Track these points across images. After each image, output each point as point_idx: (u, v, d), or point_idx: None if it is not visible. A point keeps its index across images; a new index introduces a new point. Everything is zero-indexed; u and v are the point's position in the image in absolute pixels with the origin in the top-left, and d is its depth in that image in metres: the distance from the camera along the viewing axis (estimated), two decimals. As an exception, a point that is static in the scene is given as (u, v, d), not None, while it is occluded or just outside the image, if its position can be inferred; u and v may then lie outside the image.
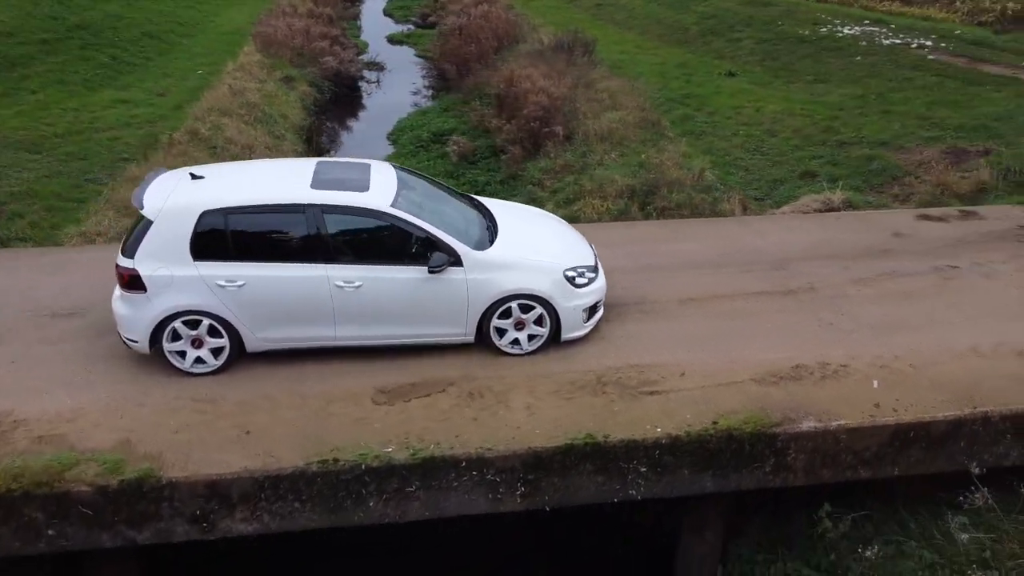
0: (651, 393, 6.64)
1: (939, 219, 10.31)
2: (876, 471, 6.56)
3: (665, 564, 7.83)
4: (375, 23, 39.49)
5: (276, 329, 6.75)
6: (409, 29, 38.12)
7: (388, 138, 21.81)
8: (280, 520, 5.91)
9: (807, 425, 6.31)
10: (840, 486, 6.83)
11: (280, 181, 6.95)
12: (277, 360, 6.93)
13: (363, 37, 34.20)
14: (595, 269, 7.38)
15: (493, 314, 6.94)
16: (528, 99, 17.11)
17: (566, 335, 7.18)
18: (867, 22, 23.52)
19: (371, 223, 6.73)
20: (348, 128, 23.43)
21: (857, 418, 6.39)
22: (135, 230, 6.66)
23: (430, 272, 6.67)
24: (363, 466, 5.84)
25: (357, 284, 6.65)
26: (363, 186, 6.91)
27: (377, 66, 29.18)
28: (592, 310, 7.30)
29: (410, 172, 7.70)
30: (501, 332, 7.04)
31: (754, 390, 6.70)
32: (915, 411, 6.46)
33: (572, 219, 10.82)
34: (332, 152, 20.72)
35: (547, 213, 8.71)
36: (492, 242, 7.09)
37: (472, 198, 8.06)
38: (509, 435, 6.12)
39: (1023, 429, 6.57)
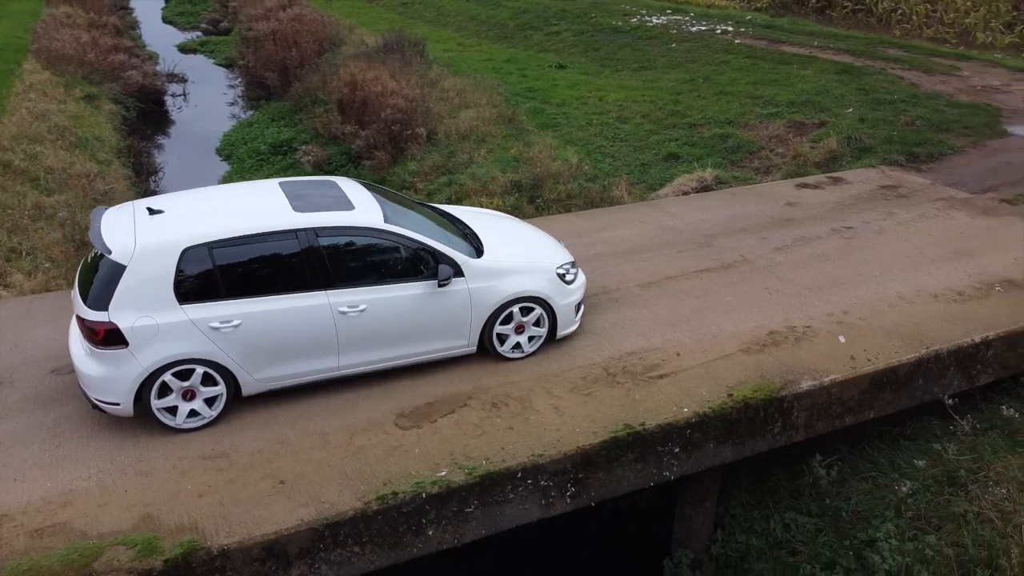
0: (660, 377, 6.89)
1: (815, 187, 11.46)
2: (857, 416, 7.25)
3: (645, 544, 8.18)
4: (156, 31, 36.64)
5: (276, 367, 6.24)
6: (198, 36, 35.78)
7: (219, 153, 20.49)
8: (337, 568, 5.51)
9: (806, 384, 6.85)
10: (819, 438, 7.47)
11: (259, 207, 6.40)
12: (273, 401, 6.41)
13: (150, 47, 31.61)
14: (575, 264, 7.50)
15: (495, 321, 6.86)
16: (384, 102, 16.77)
17: (561, 332, 7.25)
18: (669, 12, 25.35)
19: (367, 242, 6.41)
20: (169, 147, 21.67)
21: (842, 371, 7.03)
22: (98, 277, 5.87)
23: (440, 286, 6.47)
24: (423, 495, 5.58)
25: (361, 308, 6.30)
26: (346, 204, 6.55)
27: (179, 78, 27.18)
28: (579, 305, 7.42)
29: (370, 186, 7.38)
30: (502, 338, 6.97)
31: (746, 360, 7.16)
32: (884, 358, 7.22)
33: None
34: (161, 175, 19.10)
35: (502, 214, 8.68)
36: (481, 249, 6.99)
37: (433, 206, 7.87)
38: (552, 438, 6.11)
39: (963, 360, 7.54)
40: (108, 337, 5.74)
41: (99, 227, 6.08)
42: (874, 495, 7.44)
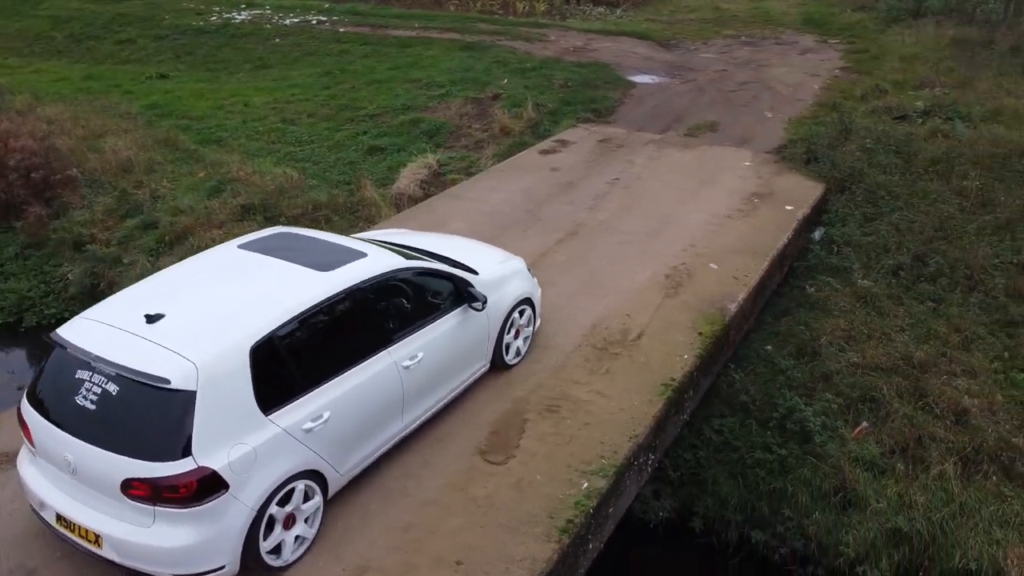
0: (638, 338, 7.53)
1: (554, 151, 12.76)
2: (747, 324, 8.82)
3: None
4: None
5: (358, 451, 5.39)
6: None
7: None
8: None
9: (732, 307, 8.14)
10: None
11: (278, 279, 5.29)
12: (338, 497, 5.49)
13: None
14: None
15: (504, 331, 6.73)
16: (7, 147, 13.41)
17: (537, 326, 7.38)
18: (244, 7, 24.20)
19: (402, 286, 5.78)
20: None
21: (741, 289, 8.47)
22: (155, 417, 4.41)
23: (480, 309, 6.16)
24: (589, 510, 5.50)
25: (419, 356, 5.73)
26: (352, 252, 5.78)
27: None
28: None
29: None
30: (507, 347, 6.87)
31: (677, 303, 8.16)
32: (751, 272, 8.84)
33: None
34: None
35: (419, 232, 8.26)
36: (468, 266, 6.71)
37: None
38: (626, 419, 6.40)
39: (782, 260, 9.57)
40: (203, 488, 4.38)
41: (91, 351, 4.49)
42: (764, 379, 9.09)
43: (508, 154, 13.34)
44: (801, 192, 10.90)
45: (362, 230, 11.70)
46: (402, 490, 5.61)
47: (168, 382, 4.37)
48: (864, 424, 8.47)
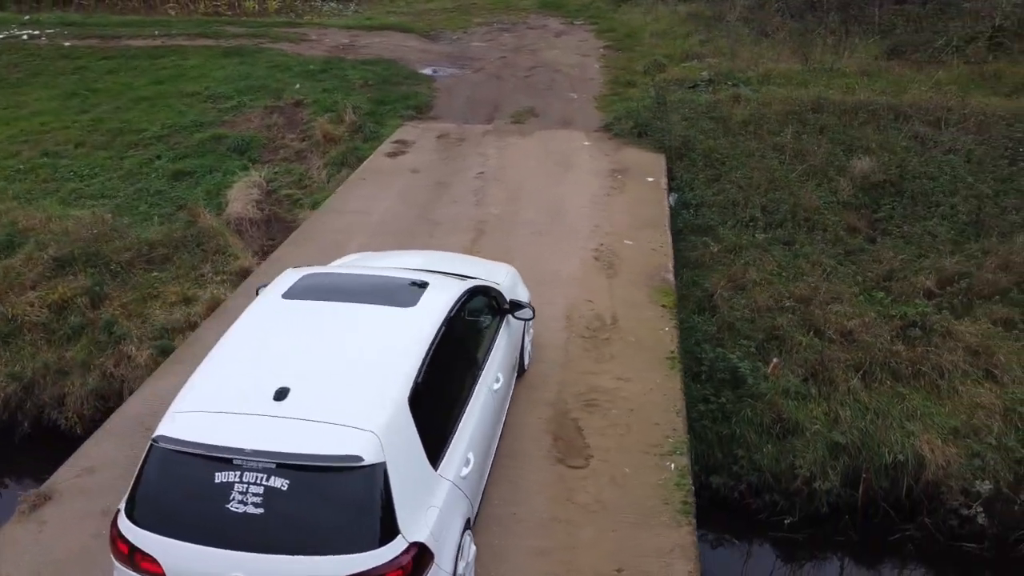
0: (614, 321, 7.82)
1: (400, 153, 12.43)
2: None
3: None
4: None
5: (480, 488, 5.06)
6: None
7: None
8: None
9: (670, 277, 8.74)
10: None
11: (378, 323, 4.78)
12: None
13: None
14: None
15: (524, 336, 6.63)
16: None
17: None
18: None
19: (469, 308, 5.46)
20: None
21: (666, 259, 9.10)
22: (349, 501, 3.85)
23: (531, 317, 6.03)
24: (692, 490, 5.72)
25: (500, 378, 5.51)
26: (417, 283, 5.35)
27: None
28: None
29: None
30: (524, 352, 6.78)
31: (623, 281, 8.57)
32: (664, 242, 9.51)
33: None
34: None
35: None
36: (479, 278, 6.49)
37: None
38: (664, 398, 6.74)
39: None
40: (417, 567, 3.90)
41: (238, 446, 3.80)
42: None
43: (342, 162, 12.74)
44: (649, 163, 11.82)
45: (216, 264, 10.65)
46: (512, 516, 5.39)
47: (360, 459, 3.80)
48: (776, 360, 9.56)
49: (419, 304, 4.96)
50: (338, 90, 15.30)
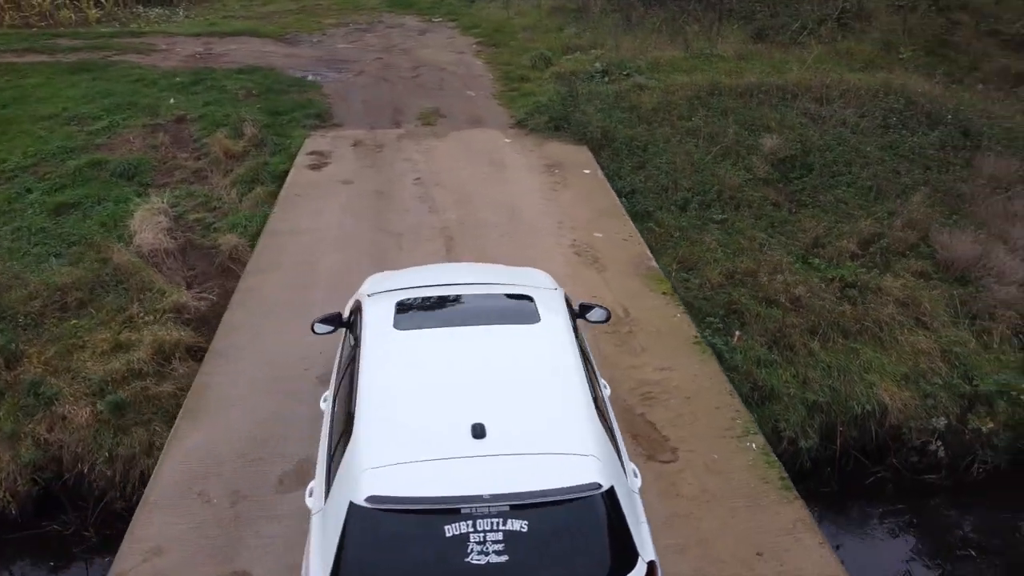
0: (626, 312, 7.92)
1: (322, 165, 11.77)
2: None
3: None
4: None
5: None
6: None
7: None
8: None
9: (653, 264, 8.98)
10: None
11: (518, 343, 4.61)
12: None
13: None
14: None
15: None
16: None
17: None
18: None
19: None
20: None
21: (642, 247, 9.31)
22: (592, 531, 3.71)
23: (608, 317, 5.98)
24: (781, 465, 5.94)
25: (604, 382, 5.43)
26: (517, 296, 5.19)
27: None
28: None
29: None
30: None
31: (613, 274, 8.70)
32: (628, 229, 9.71)
33: None
34: None
35: None
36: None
37: None
38: (708, 381, 6.87)
39: (619, 216, 10.63)
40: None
41: (471, 494, 3.55)
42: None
43: (253, 179, 11.90)
44: (577, 156, 12.02)
45: (146, 303, 9.67)
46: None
47: (599, 485, 3.62)
48: (738, 333, 10.09)
49: (544, 319, 4.79)
50: (221, 102, 14.25)
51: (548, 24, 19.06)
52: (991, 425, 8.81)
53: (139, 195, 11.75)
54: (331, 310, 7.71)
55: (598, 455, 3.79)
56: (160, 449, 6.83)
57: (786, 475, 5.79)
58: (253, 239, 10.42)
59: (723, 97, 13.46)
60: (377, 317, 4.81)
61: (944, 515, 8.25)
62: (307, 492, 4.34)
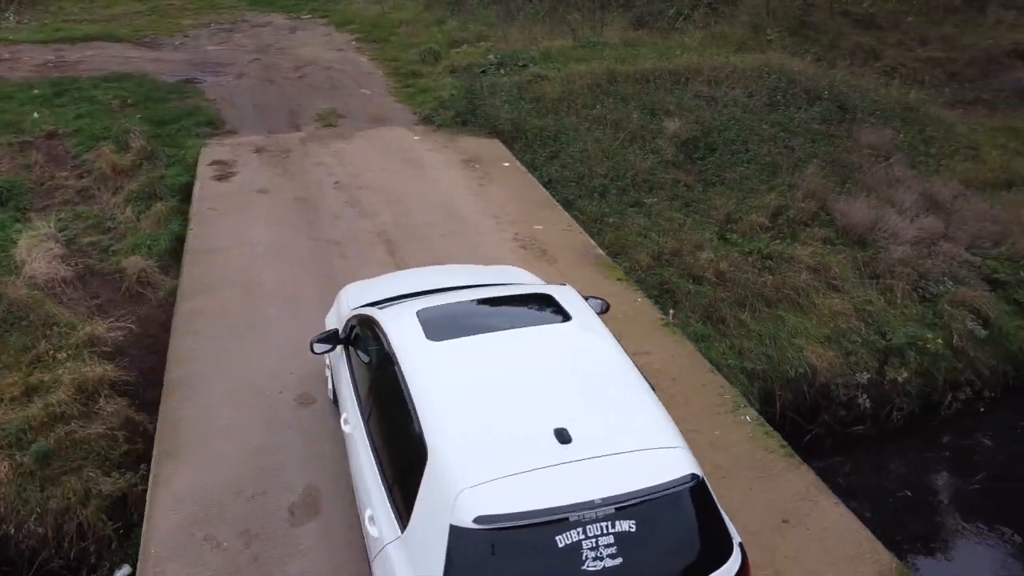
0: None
1: (229, 175, 11.08)
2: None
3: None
4: None
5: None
6: None
7: None
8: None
9: (601, 251, 9.11)
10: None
11: (563, 344, 4.58)
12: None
13: None
14: None
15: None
16: None
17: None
18: None
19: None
20: None
21: (583, 235, 9.42)
22: (693, 522, 3.78)
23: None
24: (778, 434, 6.20)
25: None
26: (541, 297, 5.14)
27: None
28: None
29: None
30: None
31: (566, 266, 8.74)
32: (565, 221, 9.81)
33: None
34: None
35: None
36: None
37: None
38: (688, 360, 7.06)
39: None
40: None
41: (580, 501, 3.51)
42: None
43: (150, 194, 11.06)
44: (491, 149, 11.99)
45: (54, 339, 8.88)
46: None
47: (696, 476, 3.65)
48: (672, 311, 10.44)
49: (575, 317, 4.75)
50: (95, 114, 13.15)
51: (427, 18, 18.83)
52: (905, 375, 9.58)
53: (18, 221, 10.70)
54: (289, 326, 7.37)
55: (684, 446, 3.83)
56: (98, 497, 6.42)
57: (785, 443, 6.06)
58: (162, 259, 9.74)
59: (621, 84, 13.80)
60: (403, 330, 4.61)
61: (874, 461, 8.90)
62: (366, 519, 4.12)
